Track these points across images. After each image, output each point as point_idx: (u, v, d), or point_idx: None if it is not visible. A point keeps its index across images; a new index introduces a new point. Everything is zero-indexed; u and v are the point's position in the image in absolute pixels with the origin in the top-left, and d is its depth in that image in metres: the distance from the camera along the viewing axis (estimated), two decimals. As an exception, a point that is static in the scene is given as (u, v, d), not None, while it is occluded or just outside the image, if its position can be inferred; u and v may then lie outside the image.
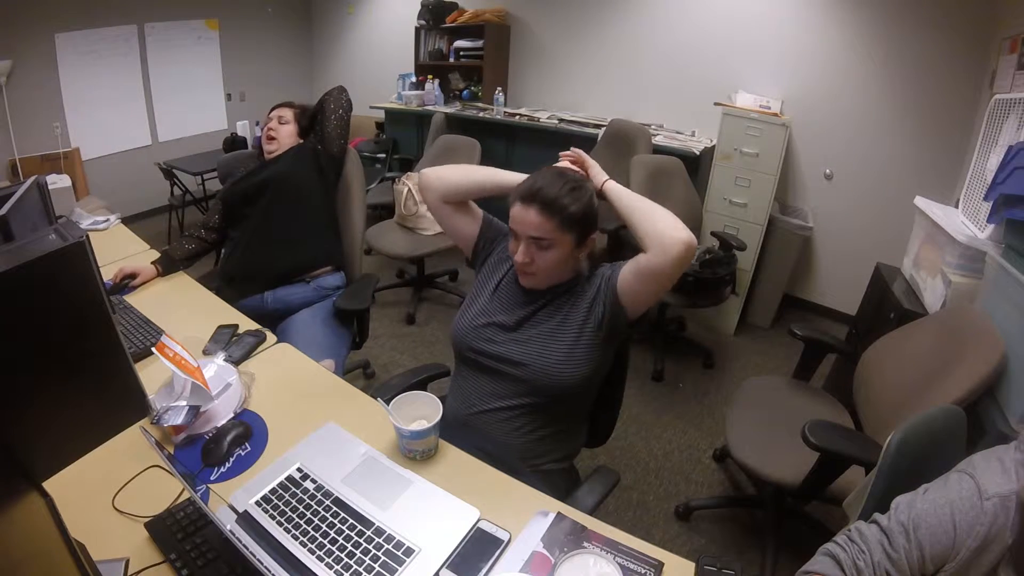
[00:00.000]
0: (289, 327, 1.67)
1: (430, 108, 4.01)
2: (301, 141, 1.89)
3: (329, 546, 0.86)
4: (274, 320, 1.72)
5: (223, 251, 1.90)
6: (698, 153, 3.03)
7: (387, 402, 1.03)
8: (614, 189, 1.15)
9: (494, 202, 1.25)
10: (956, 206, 1.94)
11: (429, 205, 1.29)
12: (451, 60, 4.23)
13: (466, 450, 1.08)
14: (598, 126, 3.42)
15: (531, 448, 1.17)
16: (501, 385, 1.17)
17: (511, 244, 1.15)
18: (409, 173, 3.09)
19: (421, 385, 1.35)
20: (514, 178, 1.21)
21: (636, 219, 1.08)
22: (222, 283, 1.79)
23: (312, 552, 0.85)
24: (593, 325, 1.12)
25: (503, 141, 3.77)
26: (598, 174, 1.19)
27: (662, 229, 1.03)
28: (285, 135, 1.85)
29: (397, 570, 0.83)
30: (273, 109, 1.91)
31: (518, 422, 1.16)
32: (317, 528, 0.89)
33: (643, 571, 0.84)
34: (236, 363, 1.29)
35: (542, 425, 1.17)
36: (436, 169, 1.28)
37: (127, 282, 1.65)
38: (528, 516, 0.93)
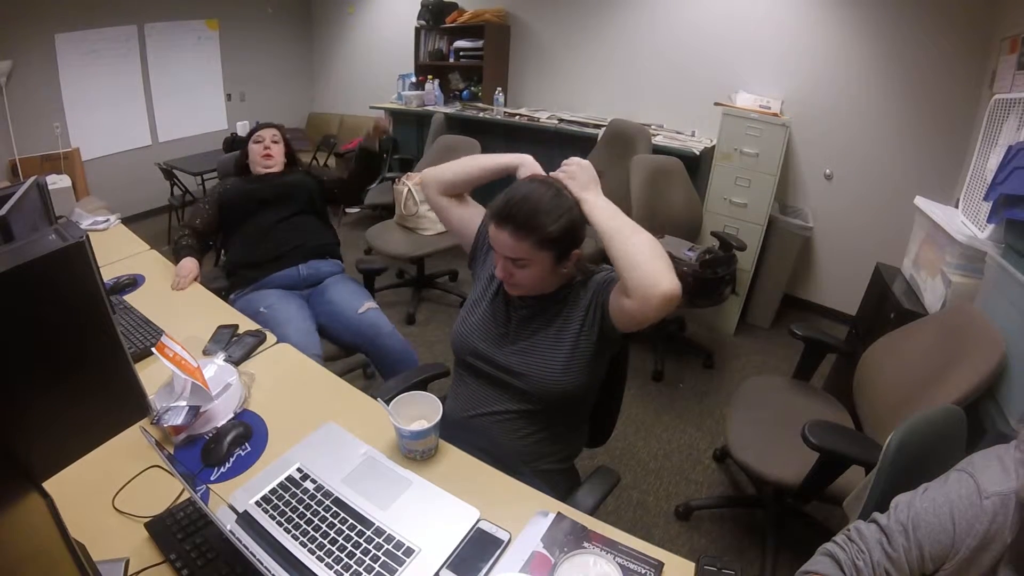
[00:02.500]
0: (328, 287, 1.91)
1: (430, 108, 4.01)
2: (285, 161, 2.12)
3: (329, 546, 0.86)
4: (307, 286, 1.93)
5: (237, 243, 1.97)
6: (698, 153, 3.03)
7: (387, 402, 1.03)
8: (594, 212, 1.04)
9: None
10: (956, 206, 1.93)
11: (429, 201, 1.32)
12: (451, 60, 4.23)
13: (465, 450, 1.08)
14: (598, 126, 3.41)
15: (530, 450, 1.17)
16: (500, 391, 1.17)
17: (494, 257, 1.13)
18: (409, 173, 3.09)
19: (421, 385, 1.35)
20: (507, 160, 1.22)
21: (617, 257, 0.98)
22: (243, 269, 1.89)
23: (312, 552, 0.85)
24: (589, 333, 1.10)
25: (503, 141, 3.76)
26: (579, 190, 1.07)
27: (642, 279, 0.94)
28: (279, 154, 2.08)
29: (397, 570, 0.83)
30: (263, 128, 2.11)
31: (516, 424, 1.16)
32: (317, 528, 0.89)
33: (643, 571, 0.84)
34: (236, 363, 1.29)
35: (541, 428, 1.16)
36: (435, 167, 1.30)
37: (127, 282, 1.66)
38: (528, 516, 0.93)
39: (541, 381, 1.11)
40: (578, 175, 1.09)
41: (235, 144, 4.06)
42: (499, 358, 1.15)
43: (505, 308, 1.20)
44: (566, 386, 1.10)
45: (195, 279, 1.74)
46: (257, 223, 1.93)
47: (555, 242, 1.04)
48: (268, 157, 2.04)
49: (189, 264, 1.76)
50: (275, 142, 2.08)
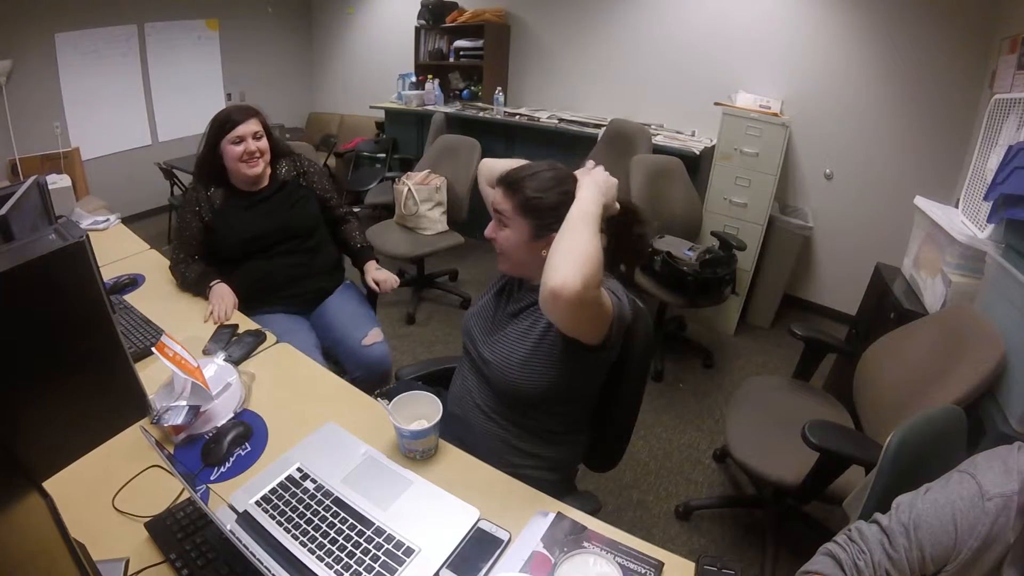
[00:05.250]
0: (329, 307, 1.76)
1: (430, 108, 4.01)
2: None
3: (329, 546, 0.86)
4: (313, 305, 1.77)
5: (235, 277, 1.66)
6: (698, 153, 3.04)
7: (387, 401, 1.03)
8: (575, 206, 0.98)
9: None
10: (956, 206, 1.94)
11: (480, 189, 1.35)
12: (451, 60, 4.24)
13: (446, 439, 1.09)
14: (598, 126, 3.41)
15: (501, 447, 1.15)
16: (479, 381, 1.18)
17: None
18: (409, 173, 3.08)
19: (440, 375, 1.38)
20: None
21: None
22: (241, 301, 1.61)
23: (312, 552, 0.85)
24: (555, 337, 1.07)
25: (503, 141, 3.77)
26: (584, 174, 1.08)
27: (545, 270, 0.89)
28: (266, 152, 1.66)
29: (397, 570, 0.83)
30: (240, 120, 1.59)
31: (494, 418, 1.16)
32: (317, 528, 0.89)
33: (643, 571, 0.84)
34: (236, 363, 1.29)
35: (514, 427, 1.15)
36: (489, 159, 1.34)
37: (127, 282, 1.66)
38: (528, 516, 0.93)
39: (500, 372, 1.10)
40: (593, 170, 1.09)
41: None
42: (479, 344, 1.18)
43: (505, 300, 1.22)
44: (521, 382, 1.08)
45: (235, 306, 1.56)
46: (257, 264, 1.68)
47: (534, 211, 1.07)
48: (253, 164, 1.62)
49: (225, 290, 1.58)
50: (258, 138, 1.62)
